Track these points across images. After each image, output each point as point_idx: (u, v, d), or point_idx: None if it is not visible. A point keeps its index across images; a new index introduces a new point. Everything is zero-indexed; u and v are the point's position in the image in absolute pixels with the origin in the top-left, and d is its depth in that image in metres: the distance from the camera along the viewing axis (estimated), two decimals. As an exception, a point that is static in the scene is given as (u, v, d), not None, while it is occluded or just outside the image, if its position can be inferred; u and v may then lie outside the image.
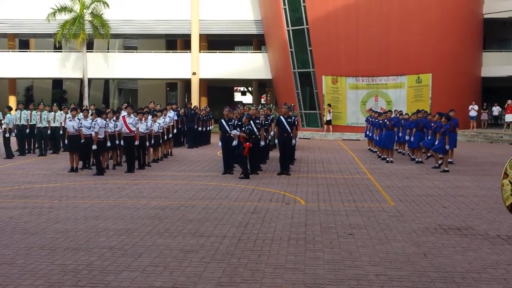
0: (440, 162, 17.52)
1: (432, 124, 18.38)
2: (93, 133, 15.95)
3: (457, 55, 31.62)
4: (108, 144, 16.66)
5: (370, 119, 23.46)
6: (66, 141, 17.87)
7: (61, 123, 21.24)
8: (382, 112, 23.39)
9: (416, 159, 19.57)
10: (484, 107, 34.12)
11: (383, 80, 32.31)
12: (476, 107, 31.97)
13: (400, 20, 31.07)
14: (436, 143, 17.58)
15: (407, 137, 20.28)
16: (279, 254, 7.69)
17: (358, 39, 31.65)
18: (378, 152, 21.50)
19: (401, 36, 31.07)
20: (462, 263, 7.35)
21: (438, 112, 18.76)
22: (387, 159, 19.80)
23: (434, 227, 9.40)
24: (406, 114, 22.93)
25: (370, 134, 23.34)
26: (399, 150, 22.31)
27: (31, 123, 21.31)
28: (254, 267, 7.11)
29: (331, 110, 33.01)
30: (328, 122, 33.19)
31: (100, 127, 16.05)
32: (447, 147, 17.36)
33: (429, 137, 18.43)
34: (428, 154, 19.22)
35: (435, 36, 31.06)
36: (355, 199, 12.24)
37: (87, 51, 37.47)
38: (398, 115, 22.37)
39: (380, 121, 20.74)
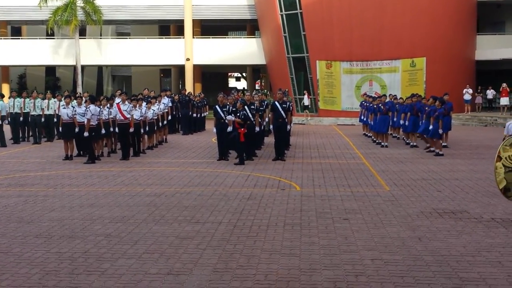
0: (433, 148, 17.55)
1: (427, 108, 18.39)
2: (85, 120, 15.87)
3: (451, 38, 31.59)
4: (103, 131, 16.62)
5: (365, 103, 23.46)
6: (60, 129, 17.81)
7: (55, 110, 21.16)
8: (377, 96, 23.39)
9: (411, 143, 19.60)
10: (479, 91, 34.15)
11: (377, 65, 32.27)
12: (470, 91, 32.00)
13: (393, 3, 30.99)
14: (430, 127, 17.58)
15: (401, 122, 20.30)
16: (274, 240, 7.71)
17: (351, 24, 31.55)
18: (372, 137, 21.53)
19: (394, 20, 30.99)
20: (457, 246, 7.39)
21: (432, 96, 18.75)
22: (382, 143, 19.83)
23: (429, 211, 9.44)
24: (400, 98, 22.93)
25: (365, 119, 23.36)
26: (393, 135, 22.34)
27: (25, 111, 21.22)
28: (249, 253, 7.13)
29: (308, 96, 33.17)
30: (306, 107, 33.29)
31: (92, 114, 15.96)
32: (440, 131, 17.38)
33: (423, 121, 18.44)
34: (428, 145, 19.24)
35: (429, 20, 30.99)
36: (350, 184, 12.27)
37: (79, 38, 37.28)
38: (392, 100, 22.36)
39: (375, 106, 20.74)
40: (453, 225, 8.51)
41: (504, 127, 11.39)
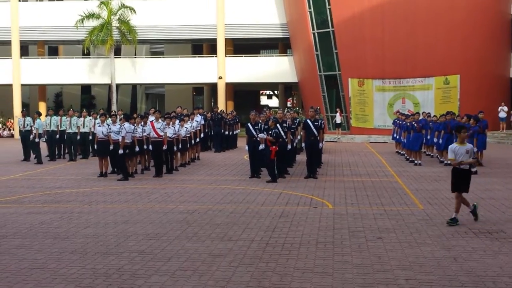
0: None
1: (461, 126, 18.14)
2: (119, 138, 16.12)
3: (485, 55, 31.21)
4: (137, 149, 16.84)
5: (397, 121, 23.29)
6: (95, 146, 18.11)
7: (90, 128, 21.55)
8: (410, 114, 23.20)
9: (445, 162, 19.34)
10: (514, 108, 33.59)
11: (410, 82, 32.05)
12: (505, 108, 31.50)
13: (426, 21, 30.80)
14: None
15: (435, 140, 20.07)
16: (307, 258, 7.68)
17: (384, 41, 31.46)
18: (406, 155, 21.32)
19: (427, 37, 30.79)
20: (493, 267, 7.25)
21: (466, 114, 18.55)
22: (415, 161, 19.63)
23: (464, 230, 9.29)
24: (434, 116, 22.71)
25: (398, 137, 23.17)
26: (427, 153, 22.09)
27: (61, 128, 21.63)
28: (282, 271, 7.11)
29: (340, 113, 33.09)
30: (338, 125, 33.16)
31: (127, 132, 16.21)
32: (475, 149, 17.11)
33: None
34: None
35: (462, 37, 30.72)
36: (383, 202, 12.17)
37: (114, 57, 37.94)
38: (426, 117, 22.15)
39: (408, 123, 20.57)
40: (489, 245, 8.36)
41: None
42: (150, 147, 17.28)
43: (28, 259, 7.71)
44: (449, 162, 18.85)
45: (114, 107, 36.39)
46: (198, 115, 23.04)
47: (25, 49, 43.37)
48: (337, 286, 6.51)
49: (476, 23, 30.84)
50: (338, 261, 7.55)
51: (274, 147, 15.33)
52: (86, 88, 48.63)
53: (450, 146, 10.02)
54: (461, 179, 9.93)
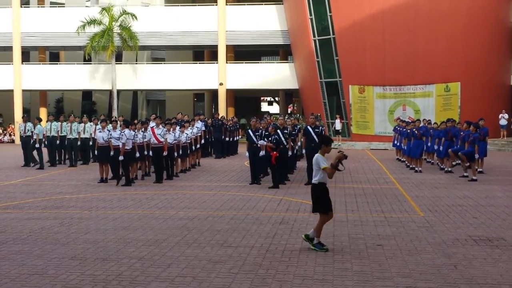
0: (467, 164, 17.31)
1: (461, 133, 18.18)
2: (120, 144, 16.14)
3: (486, 63, 31.24)
4: (137, 154, 16.84)
5: (398, 128, 23.29)
6: (96, 152, 18.10)
7: (91, 134, 21.56)
8: (410, 121, 23.21)
9: (445, 169, 19.35)
10: (514, 116, 33.62)
11: (410, 89, 32.07)
12: (506, 116, 31.51)
13: (427, 28, 30.84)
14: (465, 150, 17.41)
15: (435, 147, 20.07)
16: (307, 265, 7.67)
17: (384, 48, 31.50)
18: (406, 162, 21.32)
19: (428, 44, 30.82)
20: (494, 274, 7.23)
21: (466, 121, 18.56)
22: (416, 168, 19.62)
23: (464, 238, 9.28)
24: (434, 123, 22.72)
25: (398, 144, 23.17)
26: (428, 160, 22.09)
27: (62, 134, 21.65)
28: (282, 278, 7.10)
29: (341, 120, 33.10)
30: (337, 132, 33.17)
31: (127, 138, 16.22)
32: (476, 156, 17.14)
33: (458, 146, 18.22)
34: (454, 163, 19.03)
35: (463, 44, 30.75)
36: (383, 209, 12.15)
37: (116, 63, 37.99)
38: (426, 124, 22.16)
39: (408, 130, 20.57)
40: (490, 252, 8.34)
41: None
42: (151, 153, 17.28)
43: (28, 265, 7.70)
44: (449, 169, 18.99)
45: (114, 113, 36.42)
46: (199, 121, 23.06)
47: (27, 55, 43.46)
48: (337, 293, 6.49)
49: (476, 30, 30.89)
50: (338, 268, 7.53)
51: (274, 152, 15.33)
52: (87, 94, 48.70)
53: (319, 156, 8.80)
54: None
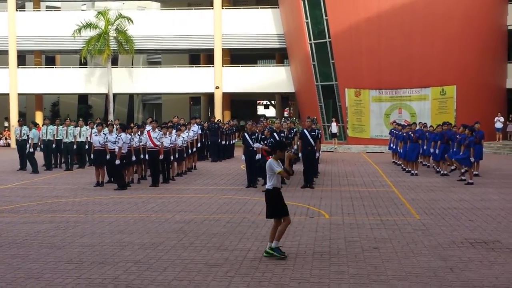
0: (463, 170, 17.35)
1: (457, 136, 18.22)
2: (116, 148, 16.12)
3: (481, 66, 31.34)
4: (133, 158, 16.82)
5: (394, 131, 23.34)
6: (92, 156, 18.08)
7: (87, 138, 21.53)
8: (406, 124, 23.26)
9: (441, 172, 19.39)
10: (510, 119, 33.73)
11: (406, 92, 32.13)
12: (502, 119, 31.60)
13: (422, 32, 30.92)
14: (460, 154, 17.44)
15: (431, 150, 20.11)
16: (303, 268, 7.67)
17: (380, 52, 31.57)
18: (402, 165, 21.35)
19: (424, 48, 30.90)
20: (489, 277, 7.25)
21: (462, 124, 18.61)
22: (412, 171, 19.65)
23: (460, 240, 9.30)
24: (430, 126, 22.78)
25: (394, 147, 23.21)
26: (423, 163, 22.13)
27: (58, 138, 21.62)
28: (278, 281, 7.10)
29: (337, 123, 33.16)
30: (334, 135, 33.20)
31: (124, 142, 16.21)
32: (472, 159, 17.18)
33: (454, 149, 18.27)
34: (452, 167, 19.07)
35: (459, 48, 30.84)
36: (379, 212, 12.17)
37: (112, 67, 37.96)
38: (422, 128, 22.21)
39: (404, 134, 20.62)
40: (485, 255, 8.36)
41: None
42: (147, 156, 17.27)
43: (24, 269, 7.68)
44: (445, 172, 19.02)
45: (111, 117, 36.37)
46: (195, 124, 23.04)
47: (22, 59, 43.38)
48: (333, 296, 6.49)
49: (472, 34, 30.99)
50: (335, 271, 7.54)
51: (269, 156, 15.31)
52: (83, 98, 48.65)
53: (272, 161, 8.49)
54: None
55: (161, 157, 16.97)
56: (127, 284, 6.97)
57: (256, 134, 16.32)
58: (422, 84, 31.66)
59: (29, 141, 20.98)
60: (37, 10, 41.41)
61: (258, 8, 39.23)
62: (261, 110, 60.49)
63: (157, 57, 48.04)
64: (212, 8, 37.98)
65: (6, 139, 40.30)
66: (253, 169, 16.21)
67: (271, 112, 57.28)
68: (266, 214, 8.59)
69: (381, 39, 31.52)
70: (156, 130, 17.34)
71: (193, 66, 41.96)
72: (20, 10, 40.64)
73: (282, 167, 8.43)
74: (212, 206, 12.92)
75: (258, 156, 15.83)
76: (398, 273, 7.45)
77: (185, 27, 38.19)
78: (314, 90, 34.50)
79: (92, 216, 11.77)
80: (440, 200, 13.83)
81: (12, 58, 38.96)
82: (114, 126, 17.75)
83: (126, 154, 16.40)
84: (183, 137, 19.30)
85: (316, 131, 16.96)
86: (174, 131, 18.58)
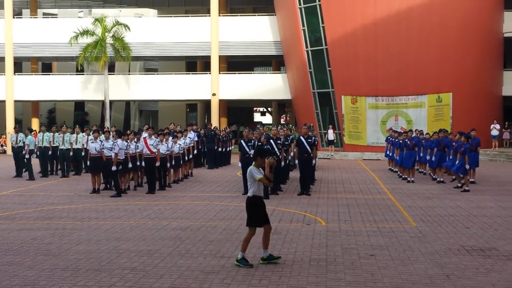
0: (463, 181, 17.38)
1: (454, 143, 18.26)
2: (113, 155, 16.10)
3: (478, 74, 31.42)
4: (130, 165, 16.80)
5: (391, 138, 23.38)
6: (88, 163, 18.05)
7: (83, 144, 21.51)
8: (403, 131, 23.30)
9: (438, 179, 19.41)
10: (506, 126, 33.81)
11: (403, 100, 32.20)
12: (498, 126, 31.66)
13: (419, 39, 31.03)
14: (456, 162, 17.47)
15: (428, 157, 20.15)
16: (300, 275, 7.66)
17: (377, 59, 31.65)
18: (399, 172, 21.37)
19: (420, 55, 31.00)
20: (486, 284, 7.25)
21: (458, 132, 18.66)
22: (408, 179, 19.67)
23: (457, 248, 9.30)
24: (427, 133, 22.82)
25: (391, 154, 23.24)
26: (420, 170, 22.16)
27: (54, 145, 21.58)
28: (275, 288, 7.09)
29: (333, 130, 33.20)
30: (330, 142, 33.23)
31: (120, 148, 16.20)
32: (467, 166, 17.20)
33: (450, 157, 18.30)
34: (453, 177, 19.10)
35: (455, 55, 30.94)
36: (376, 219, 12.17)
37: (108, 74, 37.94)
38: (418, 135, 22.25)
39: (401, 141, 20.65)
40: (482, 262, 8.37)
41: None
42: (143, 163, 17.25)
43: (20, 276, 7.65)
44: (441, 179, 19.04)
45: (107, 124, 36.33)
46: (192, 131, 23.04)
47: (19, 66, 43.36)
48: (330, 304, 6.48)
49: (468, 41, 31.09)
50: (331, 278, 7.53)
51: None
52: (79, 105, 48.61)
53: (252, 168, 8.53)
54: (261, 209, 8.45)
55: (157, 164, 16.96)
56: (123, 292, 6.95)
57: (252, 141, 16.32)
58: (418, 91, 31.74)
59: (25, 148, 20.94)
60: (34, 17, 41.44)
61: (255, 15, 39.33)
62: (257, 117, 60.51)
63: (153, 64, 48.05)
64: (209, 15, 38.05)
65: (1, 146, 40.22)
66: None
67: (267, 119, 57.30)
68: (247, 222, 8.51)
69: (377, 46, 31.61)
70: (153, 137, 17.34)
71: (189, 73, 42.00)
72: (17, 17, 40.68)
73: (263, 173, 8.41)
74: (209, 213, 12.90)
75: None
76: (395, 280, 7.45)
77: (182, 34, 38.24)
78: (310, 97, 34.55)
79: (88, 223, 11.74)
80: (437, 207, 13.84)
81: (9, 64, 38.90)
82: (111, 133, 17.73)
83: (123, 161, 16.38)
84: (180, 144, 19.29)
85: (313, 138, 16.98)
86: (170, 138, 18.57)
